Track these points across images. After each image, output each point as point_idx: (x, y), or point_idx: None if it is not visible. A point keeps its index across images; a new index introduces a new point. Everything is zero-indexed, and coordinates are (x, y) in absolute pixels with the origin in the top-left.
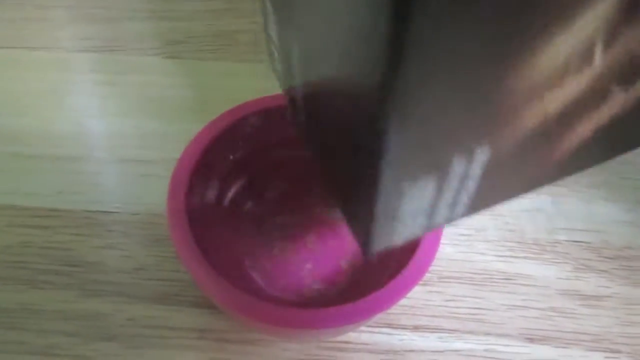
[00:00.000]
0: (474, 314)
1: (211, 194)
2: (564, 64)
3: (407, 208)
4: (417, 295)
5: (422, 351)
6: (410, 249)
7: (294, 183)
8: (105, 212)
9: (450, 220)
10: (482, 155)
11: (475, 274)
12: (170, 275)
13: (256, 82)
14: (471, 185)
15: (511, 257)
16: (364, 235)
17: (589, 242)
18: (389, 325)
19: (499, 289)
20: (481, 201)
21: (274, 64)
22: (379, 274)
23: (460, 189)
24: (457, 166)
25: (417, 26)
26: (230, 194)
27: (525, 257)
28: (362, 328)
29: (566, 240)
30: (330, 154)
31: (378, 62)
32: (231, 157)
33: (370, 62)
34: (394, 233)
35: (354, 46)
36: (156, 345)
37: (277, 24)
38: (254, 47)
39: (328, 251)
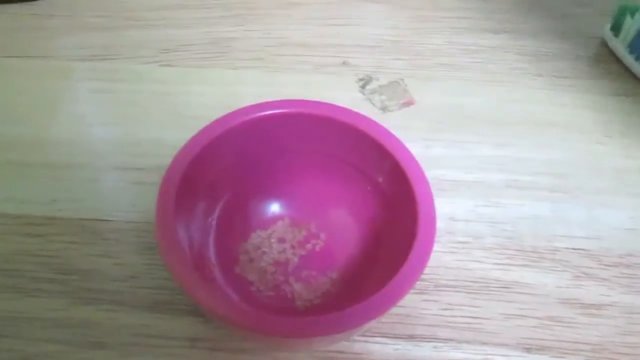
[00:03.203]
0: (470, 323)
1: (200, 202)
2: None
3: None
4: (412, 304)
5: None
6: (401, 259)
7: (285, 190)
8: (99, 220)
9: None
10: None
11: (472, 282)
12: (163, 284)
13: (251, 89)
14: None
15: (509, 265)
16: None
17: (589, 250)
18: (384, 335)
19: (497, 298)
20: None
21: None
22: (370, 284)
23: None
24: None
25: None
26: (220, 202)
27: (523, 265)
28: (356, 337)
29: (565, 248)
30: None
31: None
32: (218, 167)
33: None
34: None
35: None
36: (148, 353)
37: None
38: (249, 54)
39: (318, 261)
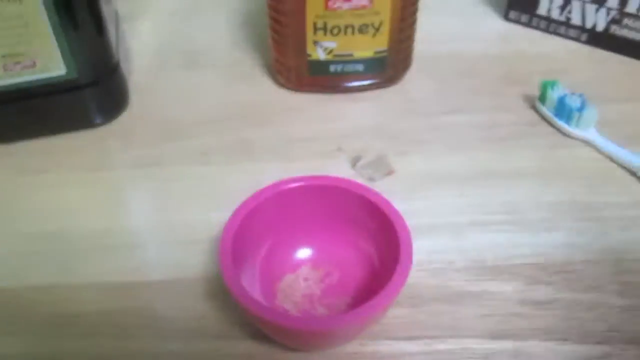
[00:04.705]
0: (451, 324)
1: (247, 254)
2: None
3: None
4: (408, 314)
5: (414, 354)
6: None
7: (306, 242)
8: (170, 280)
9: None
10: None
11: (450, 295)
12: (225, 320)
13: (271, 176)
14: None
15: (477, 280)
16: None
17: (537, 263)
18: (388, 337)
19: (469, 304)
20: None
21: None
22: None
23: None
24: None
25: None
26: (260, 254)
27: (488, 279)
28: (366, 341)
29: (519, 264)
30: None
31: None
32: (258, 228)
33: None
34: None
35: None
36: None
37: None
38: (266, 149)
39: (335, 290)
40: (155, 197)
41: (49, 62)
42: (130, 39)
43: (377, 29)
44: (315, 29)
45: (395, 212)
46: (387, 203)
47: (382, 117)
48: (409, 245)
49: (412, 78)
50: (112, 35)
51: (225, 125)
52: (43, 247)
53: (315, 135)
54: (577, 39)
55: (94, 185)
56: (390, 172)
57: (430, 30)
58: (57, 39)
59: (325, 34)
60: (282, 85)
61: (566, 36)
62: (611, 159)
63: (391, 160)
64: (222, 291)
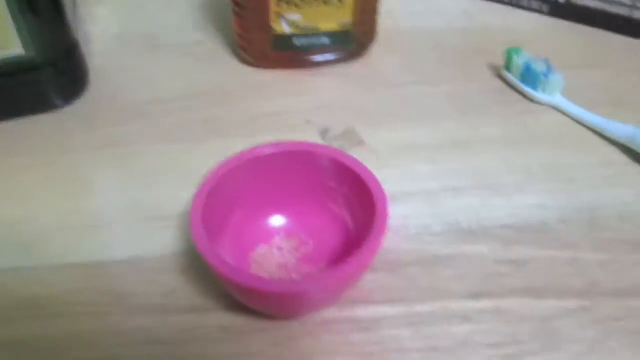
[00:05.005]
0: (430, 286)
1: (222, 219)
2: None
3: None
4: (385, 278)
5: (394, 317)
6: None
7: (278, 210)
8: (141, 257)
9: None
10: None
11: (427, 258)
12: (197, 294)
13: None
14: None
15: (452, 243)
16: None
17: (511, 225)
18: (367, 302)
19: (447, 266)
20: None
21: None
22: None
23: None
24: None
25: None
26: (231, 222)
27: (464, 242)
28: (344, 306)
29: (494, 226)
30: None
31: None
32: (228, 196)
33: None
34: None
35: None
36: (194, 341)
37: None
38: (235, 126)
39: (310, 258)
40: (121, 176)
41: (5, 41)
42: (89, 24)
43: (341, 0)
44: (279, 1)
45: (370, 174)
46: (361, 165)
47: (349, 90)
48: (385, 203)
49: (378, 52)
50: (70, 15)
51: (190, 104)
52: (6, 231)
53: (283, 111)
54: (539, 11)
55: (56, 167)
56: (360, 143)
57: (393, 6)
58: (13, 16)
59: (289, 5)
60: (246, 63)
61: (529, 9)
62: (578, 122)
63: (360, 132)
64: (193, 266)
